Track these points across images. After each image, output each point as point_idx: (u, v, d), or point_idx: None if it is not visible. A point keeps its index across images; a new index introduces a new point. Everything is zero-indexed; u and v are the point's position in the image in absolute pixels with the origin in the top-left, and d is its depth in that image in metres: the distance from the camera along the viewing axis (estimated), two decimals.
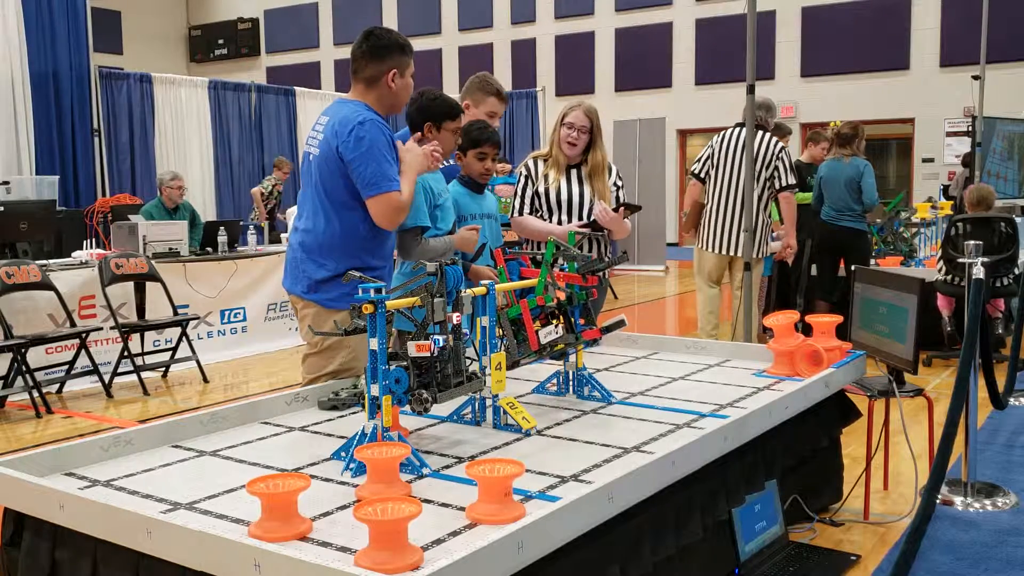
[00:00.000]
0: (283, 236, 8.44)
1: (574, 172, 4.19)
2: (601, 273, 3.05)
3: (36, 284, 5.87)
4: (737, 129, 5.80)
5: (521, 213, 4.25)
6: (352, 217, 3.09)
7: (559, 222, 4.17)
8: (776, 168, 5.62)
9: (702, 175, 5.91)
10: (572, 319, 2.94)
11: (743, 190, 5.67)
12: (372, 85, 3.14)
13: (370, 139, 3.01)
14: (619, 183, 4.29)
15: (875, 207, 7.03)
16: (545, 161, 4.23)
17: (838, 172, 6.82)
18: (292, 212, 9.63)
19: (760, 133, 5.74)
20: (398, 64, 3.13)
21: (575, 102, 4.21)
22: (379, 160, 3.01)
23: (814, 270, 7.15)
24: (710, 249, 5.79)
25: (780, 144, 5.70)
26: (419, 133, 3.48)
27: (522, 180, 4.25)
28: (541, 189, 4.19)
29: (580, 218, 4.15)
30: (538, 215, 4.24)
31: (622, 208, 4.11)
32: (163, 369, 6.73)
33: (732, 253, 5.71)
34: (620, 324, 3.10)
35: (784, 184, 5.66)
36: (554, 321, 2.89)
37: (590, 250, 4.14)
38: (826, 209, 6.90)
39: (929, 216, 10.64)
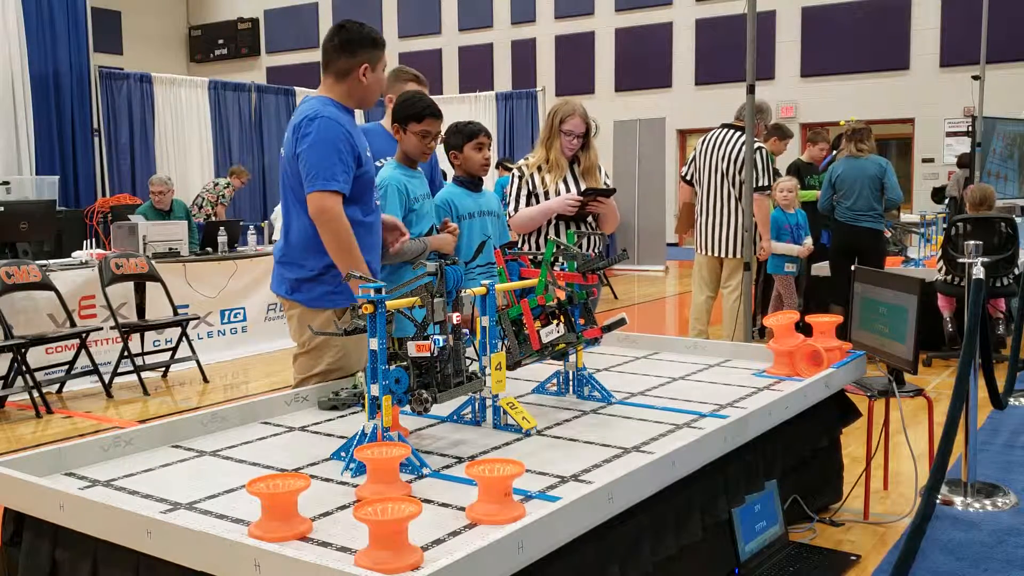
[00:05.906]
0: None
1: (568, 170, 4.24)
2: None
3: (36, 284, 5.87)
4: (717, 130, 5.83)
5: (516, 211, 4.28)
6: None
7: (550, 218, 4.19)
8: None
9: (689, 178, 5.97)
10: (573, 318, 2.94)
11: (717, 191, 5.70)
12: (342, 79, 3.10)
13: (317, 134, 2.94)
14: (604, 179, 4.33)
15: (900, 204, 6.87)
16: (540, 168, 4.23)
17: (859, 170, 6.54)
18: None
19: (735, 133, 5.75)
20: (370, 58, 3.09)
21: (568, 107, 4.17)
22: (321, 155, 2.93)
23: (814, 270, 7.13)
24: (699, 250, 5.87)
25: (756, 144, 5.65)
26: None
27: (516, 181, 4.23)
28: (540, 191, 4.20)
29: (573, 217, 4.16)
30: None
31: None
32: (163, 369, 6.73)
33: (716, 254, 5.74)
34: (621, 323, 3.10)
35: (757, 185, 5.65)
36: (555, 320, 2.89)
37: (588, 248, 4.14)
38: (842, 210, 6.61)
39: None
